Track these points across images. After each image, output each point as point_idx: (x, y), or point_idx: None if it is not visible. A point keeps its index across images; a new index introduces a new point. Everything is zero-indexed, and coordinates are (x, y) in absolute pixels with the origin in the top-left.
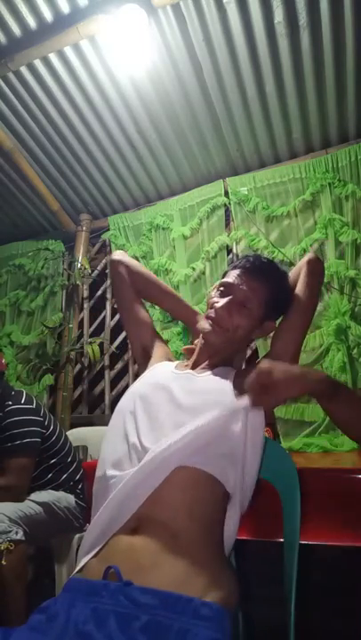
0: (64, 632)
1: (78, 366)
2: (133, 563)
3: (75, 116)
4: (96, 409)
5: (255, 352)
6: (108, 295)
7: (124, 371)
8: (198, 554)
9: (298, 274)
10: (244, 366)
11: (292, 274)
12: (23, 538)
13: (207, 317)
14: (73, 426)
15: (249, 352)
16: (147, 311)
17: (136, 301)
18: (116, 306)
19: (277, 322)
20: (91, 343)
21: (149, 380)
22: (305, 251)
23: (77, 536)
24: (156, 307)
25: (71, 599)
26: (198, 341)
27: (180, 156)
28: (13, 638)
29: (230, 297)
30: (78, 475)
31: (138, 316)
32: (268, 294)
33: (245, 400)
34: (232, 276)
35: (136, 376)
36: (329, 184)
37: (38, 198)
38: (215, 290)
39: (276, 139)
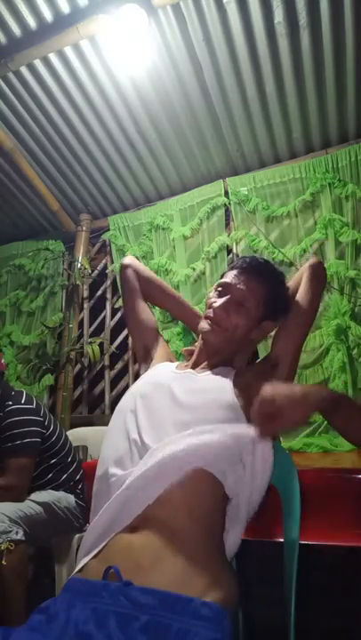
0: (64, 632)
1: (78, 366)
2: (133, 562)
3: (75, 115)
4: (96, 409)
5: (255, 352)
6: (108, 295)
7: (124, 371)
8: (198, 553)
9: (300, 278)
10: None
11: (294, 278)
12: (23, 538)
13: (206, 317)
14: (73, 426)
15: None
16: (152, 314)
17: (143, 304)
18: (116, 306)
19: (276, 322)
20: (91, 343)
21: (150, 380)
22: (305, 251)
23: (77, 536)
24: (157, 307)
25: (71, 599)
26: (198, 342)
27: (180, 156)
28: (13, 638)
29: (228, 296)
30: (78, 475)
31: (143, 318)
32: (266, 294)
33: (253, 430)
34: (230, 277)
35: (136, 376)
36: (329, 184)
37: (38, 198)
38: (214, 291)
39: (276, 139)
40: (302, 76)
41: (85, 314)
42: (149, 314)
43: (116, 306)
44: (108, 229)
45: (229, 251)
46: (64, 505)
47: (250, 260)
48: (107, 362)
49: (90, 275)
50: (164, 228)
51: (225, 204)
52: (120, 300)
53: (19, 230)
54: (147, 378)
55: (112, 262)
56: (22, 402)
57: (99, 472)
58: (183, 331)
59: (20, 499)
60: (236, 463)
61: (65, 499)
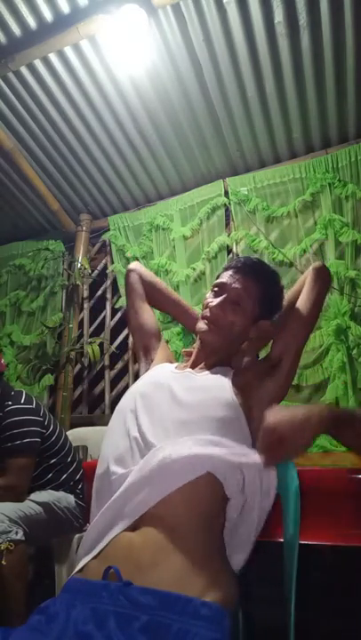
0: (64, 632)
1: (78, 366)
2: (133, 562)
3: (75, 115)
4: (96, 409)
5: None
6: (108, 295)
7: (124, 371)
8: (198, 553)
9: (304, 280)
10: None
11: (299, 280)
12: (23, 538)
13: (203, 317)
14: (73, 426)
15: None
16: (155, 317)
17: (146, 307)
18: (116, 306)
19: (272, 321)
20: (91, 343)
21: (150, 380)
22: (305, 251)
23: (77, 536)
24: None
25: (71, 599)
26: (196, 342)
27: (180, 156)
28: (13, 638)
29: (224, 296)
30: (78, 475)
31: (146, 321)
32: (261, 292)
33: (259, 458)
34: (225, 277)
35: (136, 376)
36: (329, 184)
37: (38, 198)
38: (210, 291)
39: (276, 139)
40: (302, 76)
41: (85, 314)
42: (152, 317)
43: (117, 306)
44: (108, 229)
45: (229, 251)
46: (64, 505)
47: (244, 260)
48: (107, 362)
49: (90, 275)
50: (164, 229)
51: (225, 204)
52: (120, 299)
53: (19, 230)
54: (146, 378)
55: (112, 262)
56: (22, 402)
57: (99, 470)
58: (183, 331)
59: (20, 499)
60: (237, 473)
61: (65, 499)
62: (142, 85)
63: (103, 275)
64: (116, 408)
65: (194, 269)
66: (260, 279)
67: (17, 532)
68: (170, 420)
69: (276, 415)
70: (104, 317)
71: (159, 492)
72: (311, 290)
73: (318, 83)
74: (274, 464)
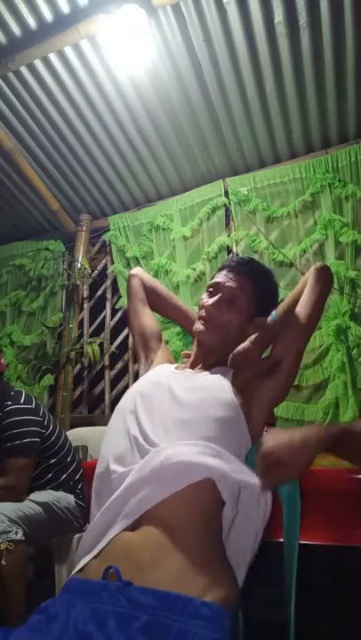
0: (64, 632)
1: (78, 366)
2: (133, 562)
3: (75, 115)
4: (96, 409)
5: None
6: (108, 295)
7: (124, 371)
8: (197, 552)
9: (306, 281)
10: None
11: (301, 281)
12: (23, 538)
13: (199, 318)
14: (73, 426)
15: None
16: (156, 321)
17: (148, 312)
18: (116, 306)
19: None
20: (91, 343)
21: (149, 380)
22: (305, 251)
23: (77, 536)
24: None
25: (71, 599)
26: (194, 343)
27: (180, 156)
28: (13, 638)
29: (219, 295)
30: (78, 474)
31: (148, 325)
32: (255, 289)
33: (258, 480)
34: (219, 277)
35: (136, 376)
36: (329, 184)
37: (38, 198)
38: (205, 292)
39: (276, 139)
40: (302, 76)
41: (85, 314)
42: (153, 320)
43: (117, 306)
44: (108, 229)
45: (229, 251)
46: (64, 505)
47: (237, 260)
48: (107, 362)
49: (90, 275)
50: (164, 229)
51: (225, 205)
52: (120, 300)
53: (19, 230)
54: (146, 378)
55: (112, 262)
56: (21, 402)
57: (99, 470)
58: (183, 331)
59: (20, 499)
60: (235, 488)
61: (65, 499)
62: (142, 85)
63: (103, 275)
64: (116, 408)
65: (194, 269)
66: (253, 277)
67: (17, 532)
68: (170, 419)
69: (273, 439)
70: (104, 317)
71: (159, 493)
72: (313, 290)
73: (318, 83)
74: (272, 487)
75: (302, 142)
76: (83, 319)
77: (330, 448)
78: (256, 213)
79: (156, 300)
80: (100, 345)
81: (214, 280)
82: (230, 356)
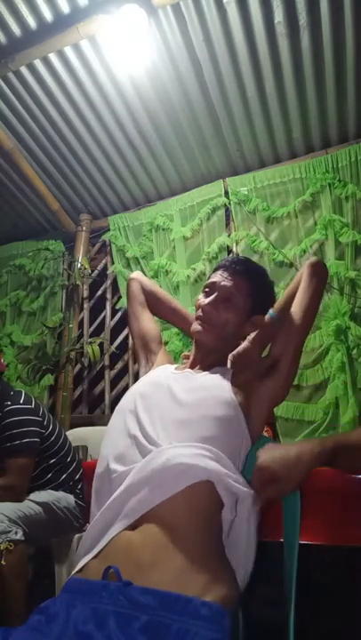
0: (64, 632)
1: (78, 366)
2: (133, 561)
3: (75, 115)
4: (96, 409)
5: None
6: (108, 295)
7: (124, 371)
8: (197, 552)
9: (300, 277)
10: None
11: (296, 277)
12: (23, 538)
13: (196, 318)
14: (73, 426)
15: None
16: (156, 325)
17: (148, 315)
18: (116, 306)
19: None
20: (91, 343)
21: (149, 380)
22: (305, 251)
23: (77, 536)
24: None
25: (71, 599)
26: (193, 344)
27: (180, 156)
28: (13, 638)
29: (215, 294)
30: (78, 474)
31: (148, 328)
32: (251, 287)
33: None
34: (214, 277)
35: (136, 376)
36: (329, 184)
37: (38, 198)
38: (202, 293)
39: (276, 139)
40: (302, 76)
41: (85, 314)
42: (153, 323)
43: (117, 306)
44: (108, 229)
45: (230, 251)
46: (64, 505)
47: (232, 259)
48: (107, 362)
49: (90, 275)
50: (164, 229)
51: (225, 205)
52: (120, 300)
53: (19, 230)
54: (146, 379)
55: (112, 263)
56: (21, 402)
57: (99, 470)
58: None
59: (20, 499)
60: (232, 497)
61: (64, 499)
62: (142, 85)
63: (103, 275)
64: (116, 408)
65: (194, 270)
66: (248, 275)
67: (16, 532)
68: (170, 419)
69: (269, 454)
70: (104, 317)
71: (159, 494)
72: (308, 287)
73: (318, 83)
74: (267, 501)
75: (302, 142)
76: (83, 319)
77: (326, 462)
78: (256, 213)
79: (155, 304)
80: (100, 345)
81: (210, 280)
82: (230, 357)
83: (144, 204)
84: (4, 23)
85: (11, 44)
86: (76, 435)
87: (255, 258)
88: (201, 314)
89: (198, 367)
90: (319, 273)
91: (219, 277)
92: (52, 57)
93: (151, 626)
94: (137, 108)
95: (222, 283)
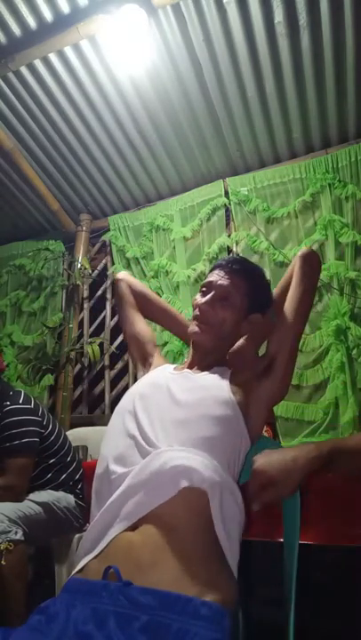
0: (64, 632)
1: (78, 366)
2: (133, 561)
3: (75, 115)
4: (96, 409)
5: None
6: (108, 295)
7: (124, 371)
8: (197, 552)
9: (292, 270)
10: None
11: (288, 271)
12: (22, 538)
13: (193, 318)
14: (73, 426)
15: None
16: (148, 325)
17: (139, 317)
18: (117, 308)
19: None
20: (91, 343)
21: (148, 381)
22: None
23: (77, 536)
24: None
25: (71, 599)
26: (190, 346)
27: (180, 156)
28: (13, 638)
29: (212, 293)
30: (78, 474)
31: (141, 330)
32: (248, 286)
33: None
34: (211, 276)
35: (136, 376)
36: (329, 185)
37: (38, 198)
38: (198, 293)
39: (276, 139)
40: (302, 76)
41: (85, 314)
42: (146, 325)
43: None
44: (109, 229)
45: (230, 251)
46: (63, 505)
47: (228, 258)
48: (107, 362)
49: (90, 275)
50: (164, 229)
51: (225, 205)
52: None
53: (19, 230)
54: (145, 379)
55: (112, 263)
56: (20, 402)
57: (98, 470)
58: None
59: (20, 499)
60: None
61: (64, 498)
62: (142, 85)
63: (103, 275)
64: (115, 409)
65: (194, 270)
66: (245, 274)
67: (16, 532)
68: (169, 419)
69: (265, 458)
70: (104, 317)
71: (156, 497)
72: (300, 281)
73: (318, 83)
74: (264, 505)
75: (302, 142)
76: (83, 319)
77: (323, 466)
78: (256, 214)
79: (145, 305)
80: (100, 345)
81: (207, 279)
82: (228, 355)
83: (144, 203)
84: (3, 23)
85: (11, 44)
86: (76, 435)
87: (255, 258)
88: (198, 313)
89: (197, 367)
90: (312, 264)
91: (216, 276)
92: (52, 57)
93: (151, 626)
94: (137, 108)
95: (219, 282)
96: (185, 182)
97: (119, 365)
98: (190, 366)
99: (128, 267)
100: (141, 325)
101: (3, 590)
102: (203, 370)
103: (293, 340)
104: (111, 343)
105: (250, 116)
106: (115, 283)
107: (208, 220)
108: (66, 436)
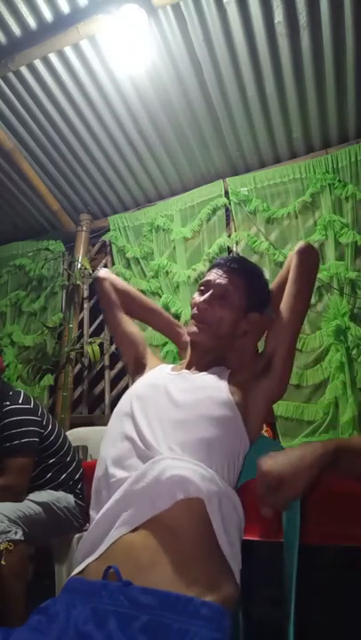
0: (64, 632)
1: (78, 366)
2: (133, 562)
3: (75, 116)
4: (96, 409)
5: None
6: None
7: (124, 371)
8: (198, 553)
9: (290, 264)
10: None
11: (284, 266)
12: (22, 538)
13: (192, 317)
14: (73, 426)
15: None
16: (136, 326)
17: (126, 317)
18: (101, 308)
19: (262, 313)
20: (91, 343)
21: (146, 382)
22: None
23: (77, 536)
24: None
25: (71, 599)
26: (188, 344)
27: (180, 156)
28: (13, 638)
29: (210, 292)
30: (78, 474)
31: (130, 331)
32: (246, 284)
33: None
34: (210, 275)
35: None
36: (329, 185)
37: (38, 198)
38: (197, 292)
39: (276, 139)
40: (302, 76)
41: (85, 314)
42: (134, 325)
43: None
44: (109, 229)
45: (230, 251)
46: (63, 505)
47: (226, 257)
48: (107, 362)
49: (90, 275)
50: (164, 229)
51: (225, 205)
52: None
53: (19, 230)
54: (142, 380)
55: (113, 263)
56: (20, 402)
57: (98, 472)
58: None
59: (19, 499)
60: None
61: (64, 498)
62: (142, 85)
63: None
64: (114, 411)
65: (194, 270)
66: (244, 273)
67: (16, 532)
68: (167, 420)
69: (270, 459)
70: (104, 317)
71: (154, 506)
72: (299, 277)
73: (318, 83)
74: (274, 509)
75: (302, 142)
76: (83, 319)
77: (329, 464)
78: (256, 214)
79: (130, 303)
80: (100, 345)
81: (205, 278)
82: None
83: (144, 204)
84: (3, 23)
85: (11, 44)
86: (76, 435)
87: (255, 258)
88: (196, 312)
89: (195, 368)
90: (310, 259)
91: (214, 275)
92: (52, 57)
93: (151, 626)
94: (137, 108)
95: (217, 280)
96: (185, 182)
97: (119, 365)
98: (188, 366)
99: (128, 267)
100: (131, 327)
101: (3, 590)
102: (201, 370)
103: (292, 337)
104: (111, 343)
105: (250, 116)
106: (96, 282)
107: (208, 220)
108: (66, 436)
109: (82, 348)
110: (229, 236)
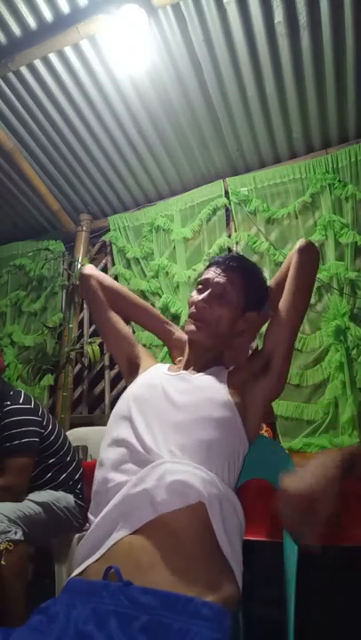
0: (64, 632)
1: (78, 366)
2: (133, 562)
3: (75, 116)
4: (96, 409)
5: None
6: None
7: None
8: (198, 553)
9: (290, 261)
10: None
11: (284, 263)
12: (22, 538)
13: (190, 316)
14: (73, 426)
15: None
16: (125, 323)
17: (114, 315)
18: (88, 307)
19: (259, 312)
20: (91, 343)
21: (143, 382)
22: None
23: (77, 536)
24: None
25: (71, 600)
26: (186, 343)
27: (180, 156)
28: (13, 638)
29: (208, 290)
30: (78, 474)
31: (118, 328)
32: (244, 283)
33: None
34: (208, 273)
35: None
36: (329, 185)
37: (38, 198)
38: (195, 290)
39: (276, 139)
40: (302, 76)
41: (85, 314)
42: (123, 324)
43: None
44: (109, 229)
45: (230, 251)
46: (63, 505)
47: (225, 256)
48: (107, 362)
49: None
50: (164, 229)
51: (225, 205)
52: None
53: (19, 230)
54: (140, 380)
55: (113, 263)
56: (20, 402)
57: (97, 475)
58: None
59: (19, 499)
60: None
61: (64, 498)
62: (142, 85)
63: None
64: (112, 413)
65: (195, 270)
66: (242, 271)
67: (16, 532)
68: (166, 422)
69: (293, 482)
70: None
71: (154, 511)
72: (298, 274)
73: (318, 83)
74: (308, 531)
75: (302, 142)
76: (83, 319)
77: (348, 469)
78: (256, 214)
79: (117, 302)
80: (100, 345)
81: (203, 277)
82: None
83: (144, 204)
84: (3, 23)
85: (11, 44)
86: (76, 435)
87: (255, 258)
88: (194, 310)
89: (192, 368)
90: (310, 257)
91: (212, 274)
92: (52, 57)
93: (152, 625)
94: (137, 108)
95: (216, 279)
96: (185, 182)
97: None
98: (186, 366)
99: (128, 267)
100: (122, 326)
101: (3, 590)
102: (199, 370)
103: (291, 335)
104: None
105: (250, 116)
106: (82, 279)
107: (208, 220)
108: (66, 436)
109: (82, 347)
110: (229, 237)
